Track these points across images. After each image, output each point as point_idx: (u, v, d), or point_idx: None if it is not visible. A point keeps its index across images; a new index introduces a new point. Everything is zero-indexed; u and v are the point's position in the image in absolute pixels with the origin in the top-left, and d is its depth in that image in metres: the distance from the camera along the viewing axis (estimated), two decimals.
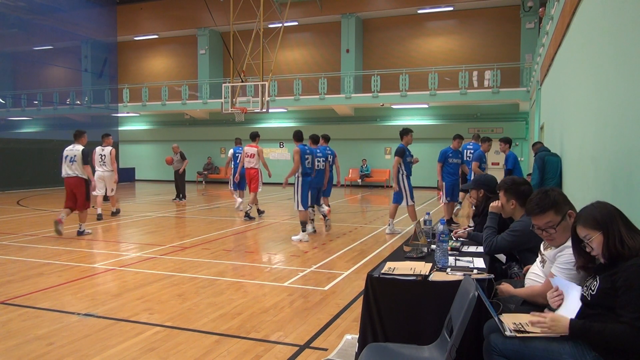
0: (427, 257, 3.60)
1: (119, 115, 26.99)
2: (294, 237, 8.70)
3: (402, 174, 9.24)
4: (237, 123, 20.97)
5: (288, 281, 5.83)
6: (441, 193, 10.80)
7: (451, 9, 21.90)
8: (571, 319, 2.26)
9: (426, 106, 21.84)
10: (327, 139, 10.49)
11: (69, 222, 9.26)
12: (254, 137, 11.61)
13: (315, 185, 9.15)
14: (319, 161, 9.23)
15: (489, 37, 22.03)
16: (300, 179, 8.63)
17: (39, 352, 3.73)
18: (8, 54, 30.35)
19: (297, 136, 9.18)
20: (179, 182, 15.46)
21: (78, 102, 27.73)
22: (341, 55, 23.44)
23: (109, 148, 11.53)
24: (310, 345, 3.91)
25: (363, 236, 9.11)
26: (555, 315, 2.33)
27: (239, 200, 12.65)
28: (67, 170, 9.02)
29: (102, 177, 11.34)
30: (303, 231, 8.57)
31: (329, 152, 10.25)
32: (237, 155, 12.71)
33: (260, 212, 11.89)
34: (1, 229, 9.86)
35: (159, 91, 25.29)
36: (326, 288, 5.53)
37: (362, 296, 3.43)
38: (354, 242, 8.51)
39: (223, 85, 17.86)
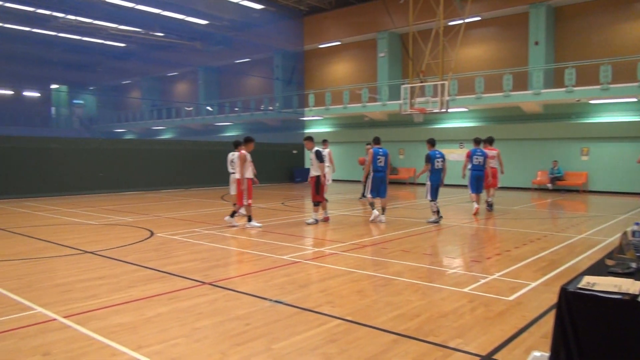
0: (637, 274, 3.13)
1: (305, 119, 29.02)
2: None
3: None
4: (416, 124, 20.90)
5: (468, 287, 5.61)
6: None
7: None
8: None
9: (634, 100, 18.99)
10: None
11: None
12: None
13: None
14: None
15: None
16: (371, 174, 11.05)
17: (238, 330, 4.21)
18: (215, 68, 35.02)
19: (376, 140, 11.69)
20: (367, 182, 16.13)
21: (270, 107, 30.55)
22: (529, 48, 21.71)
23: (327, 150, 14.38)
24: (493, 357, 3.71)
25: (554, 245, 8.31)
26: None
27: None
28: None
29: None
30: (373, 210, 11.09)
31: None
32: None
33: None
34: (209, 220, 11.38)
35: (341, 95, 26.49)
36: (511, 298, 5.18)
37: (553, 311, 3.13)
38: (543, 250, 7.82)
39: (402, 86, 17.96)
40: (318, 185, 10.65)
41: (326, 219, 11.05)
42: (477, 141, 13.05)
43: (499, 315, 4.64)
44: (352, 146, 26.38)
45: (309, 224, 10.61)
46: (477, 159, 12.74)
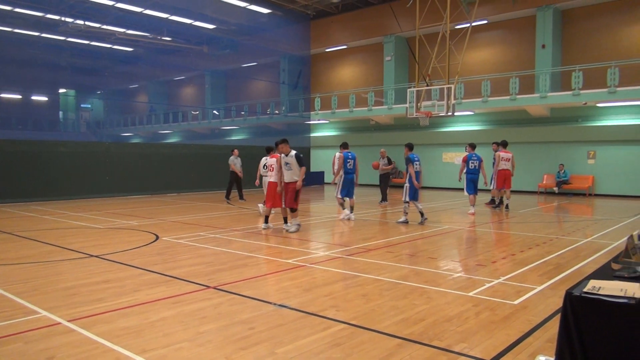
0: None
1: (310, 122, 29.04)
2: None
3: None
4: (422, 127, 20.82)
5: (473, 291, 5.58)
6: None
7: None
8: None
9: None
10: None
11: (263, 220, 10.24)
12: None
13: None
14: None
15: None
16: (342, 176, 12.13)
17: (242, 335, 4.21)
18: (222, 72, 35.17)
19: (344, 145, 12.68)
20: (383, 186, 16.29)
21: (277, 111, 30.62)
22: (536, 52, 21.64)
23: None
24: None
25: (560, 249, 8.25)
26: None
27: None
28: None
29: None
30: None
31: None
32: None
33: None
34: (214, 224, 11.40)
35: (347, 99, 26.49)
36: (516, 302, 5.15)
37: (558, 315, 3.11)
38: (549, 254, 7.77)
39: (408, 90, 17.93)
40: (297, 191, 10.04)
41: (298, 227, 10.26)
42: (472, 146, 13.90)
43: (504, 319, 4.61)
44: (358, 150, 26.34)
45: (291, 232, 10.02)
46: (472, 163, 13.57)
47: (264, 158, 12.76)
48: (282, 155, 10.04)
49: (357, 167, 12.45)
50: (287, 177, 10.05)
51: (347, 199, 12.51)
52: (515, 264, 7.09)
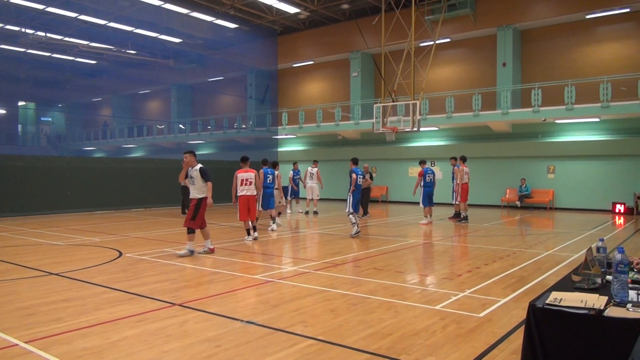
0: (602, 289, 3.21)
1: (278, 137, 29.02)
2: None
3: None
4: (388, 143, 21.11)
5: (440, 304, 5.64)
6: None
7: (627, 10, 19.56)
8: None
9: (597, 120, 19.67)
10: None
11: (220, 236, 10.15)
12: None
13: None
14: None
15: None
16: (262, 191, 12.25)
17: (208, 353, 4.12)
18: (189, 86, 34.87)
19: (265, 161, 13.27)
20: (364, 200, 16.39)
21: (244, 126, 30.49)
22: (497, 70, 22.33)
23: (316, 169, 17.91)
24: None
25: (523, 262, 8.45)
26: None
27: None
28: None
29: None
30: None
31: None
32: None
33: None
34: (180, 240, 11.18)
35: (314, 114, 26.63)
36: (481, 315, 5.23)
37: (522, 327, 3.17)
38: (512, 267, 7.94)
39: (374, 105, 18.18)
40: (197, 210, 8.93)
41: (212, 250, 9.23)
42: (423, 161, 15.03)
43: (470, 332, 4.67)
44: (325, 164, 26.47)
45: (181, 256, 8.85)
46: (428, 177, 14.51)
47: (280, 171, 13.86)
48: (189, 168, 9.10)
49: (279, 182, 13.68)
50: (191, 192, 9.04)
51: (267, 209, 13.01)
52: (480, 277, 7.21)
